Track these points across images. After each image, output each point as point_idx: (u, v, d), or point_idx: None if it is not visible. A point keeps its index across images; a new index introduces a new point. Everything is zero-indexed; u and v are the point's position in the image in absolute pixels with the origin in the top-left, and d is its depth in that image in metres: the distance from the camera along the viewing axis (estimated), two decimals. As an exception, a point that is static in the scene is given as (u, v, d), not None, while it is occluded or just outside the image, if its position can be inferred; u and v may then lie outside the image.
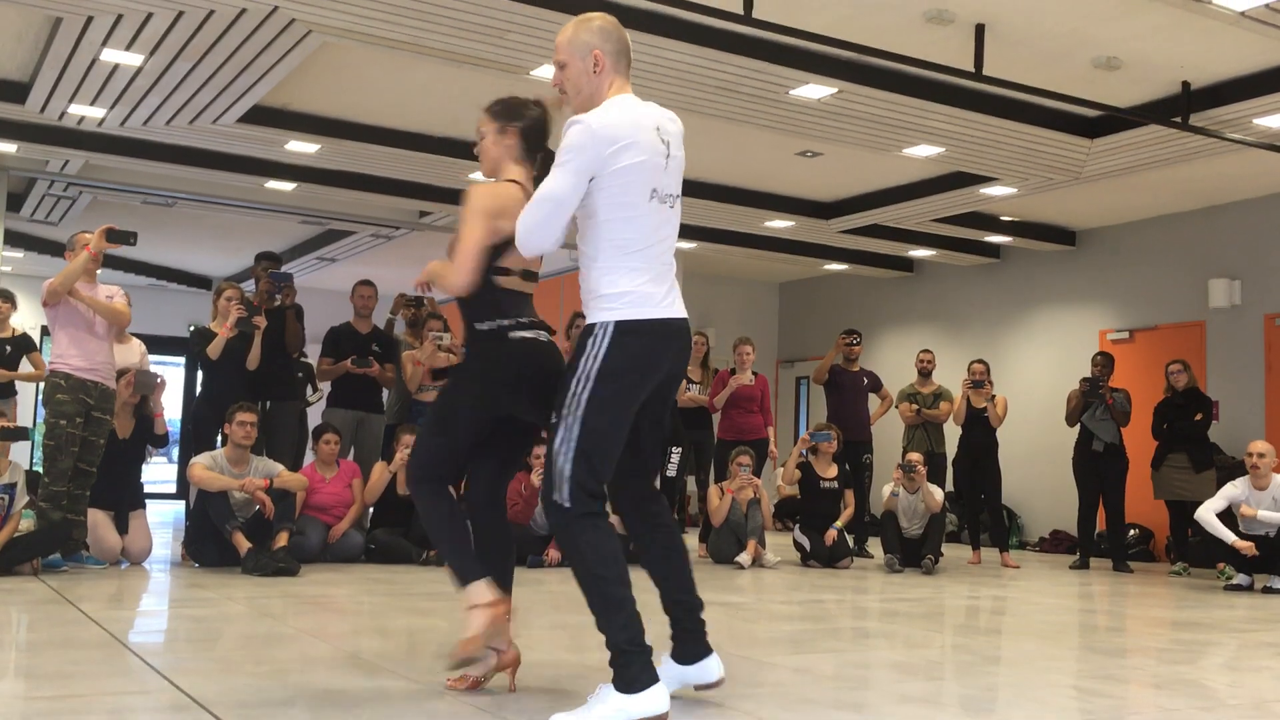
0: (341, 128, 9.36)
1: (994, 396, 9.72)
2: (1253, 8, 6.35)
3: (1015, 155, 9.15)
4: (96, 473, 6.69)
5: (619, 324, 3.02)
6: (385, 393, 8.78)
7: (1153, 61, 7.55)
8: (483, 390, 3.37)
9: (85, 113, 8.78)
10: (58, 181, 11.20)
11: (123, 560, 7.16)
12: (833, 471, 8.89)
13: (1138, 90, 8.07)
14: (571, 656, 4.18)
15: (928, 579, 7.98)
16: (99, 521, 6.97)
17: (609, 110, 3.07)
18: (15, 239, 13.45)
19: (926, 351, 10.34)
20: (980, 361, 9.94)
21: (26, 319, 12.22)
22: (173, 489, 14.68)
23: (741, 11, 6.29)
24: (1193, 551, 9.12)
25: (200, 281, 16.70)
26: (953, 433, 9.91)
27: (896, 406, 10.24)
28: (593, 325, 3.05)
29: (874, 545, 9.60)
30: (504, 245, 3.33)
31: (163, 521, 10.89)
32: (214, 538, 6.89)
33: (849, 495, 8.90)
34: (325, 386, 8.71)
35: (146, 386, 7.34)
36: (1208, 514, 7.86)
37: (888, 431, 11.16)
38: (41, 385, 7.31)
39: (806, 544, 8.67)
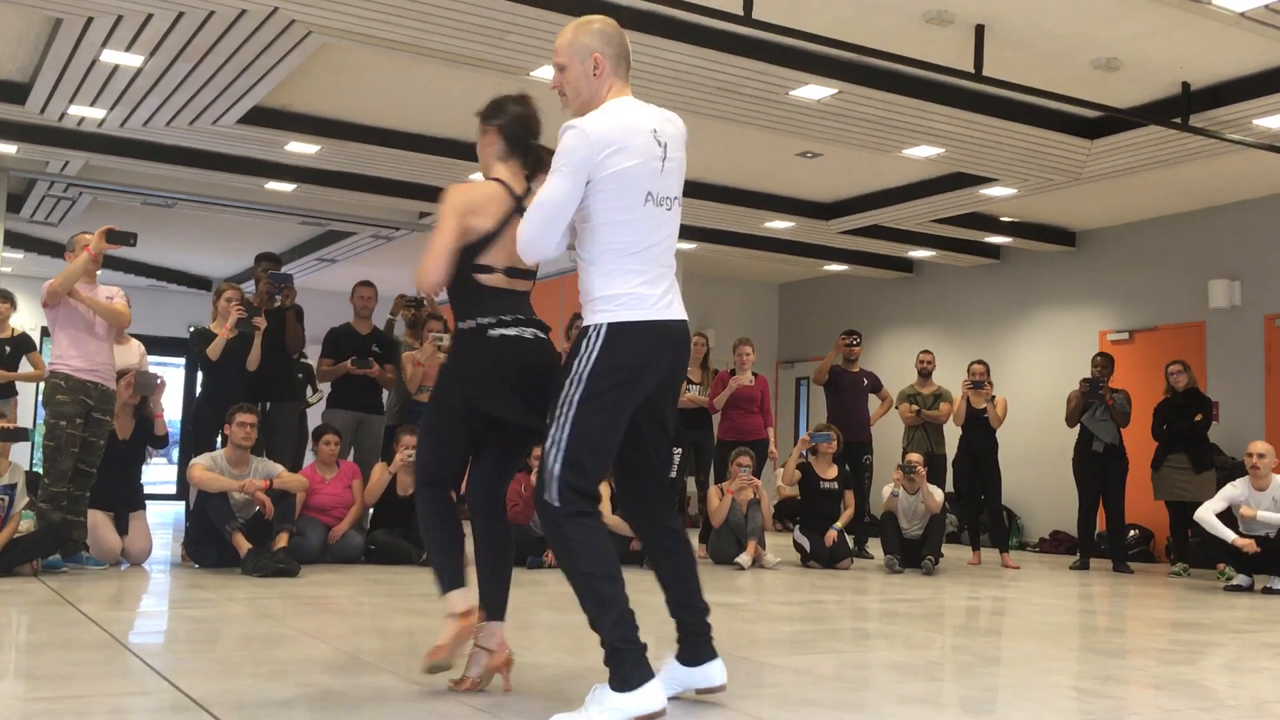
0: (341, 129, 9.36)
1: (994, 397, 9.72)
2: (1252, 8, 6.35)
3: (1015, 156, 9.15)
4: (96, 474, 6.69)
5: (611, 326, 3.03)
6: (385, 394, 8.78)
7: (1152, 62, 7.56)
8: (462, 390, 3.39)
9: (85, 113, 8.78)
10: (58, 182, 11.21)
11: (123, 561, 7.15)
12: (833, 472, 8.89)
13: (1137, 91, 8.07)
14: (571, 657, 4.18)
15: (928, 580, 7.98)
16: (99, 522, 6.97)
17: (603, 114, 3.08)
18: (15, 240, 13.46)
19: (926, 352, 10.34)
20: (980, 362, 9.94)
21: (26, 320, 12.23)
22: (173, 490, 14.70)
23: (741, 12, 6.29)
24: (1193, 552, 9.12)
25: (200, 282, 16.70)
26: (953, 433, 9.91)
27: (896, 407, 10.24)
28: (587, 327, 3.07)
29: (874, 546, 9.60)
30: (483, 243, 3.34)
31: (163, 522, 10.88)
32: (214, 539, 6.89)
33: (849, 496, 8.90)
34: (325, 387, 8.71)
35: (146, 387, 7.34)
36: (1207, 514, 7.85)
37: (888, 432, 11.16)
38: (41, 386, 7.30)
39: (806, 545, 8.67)
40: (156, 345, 13.53)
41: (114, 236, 6.37)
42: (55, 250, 13.58)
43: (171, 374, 14.24)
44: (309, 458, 8.15)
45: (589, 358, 3.01)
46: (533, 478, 7.63)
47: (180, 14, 6.78)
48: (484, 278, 3.36)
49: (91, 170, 10.76)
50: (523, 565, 7.61)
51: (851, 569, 8.57)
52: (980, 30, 7.05)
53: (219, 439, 7.44)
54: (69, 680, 3.45)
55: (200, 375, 8.37)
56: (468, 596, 3.40)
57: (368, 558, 7.74)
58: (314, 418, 8.61)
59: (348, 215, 12.20)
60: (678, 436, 8.62)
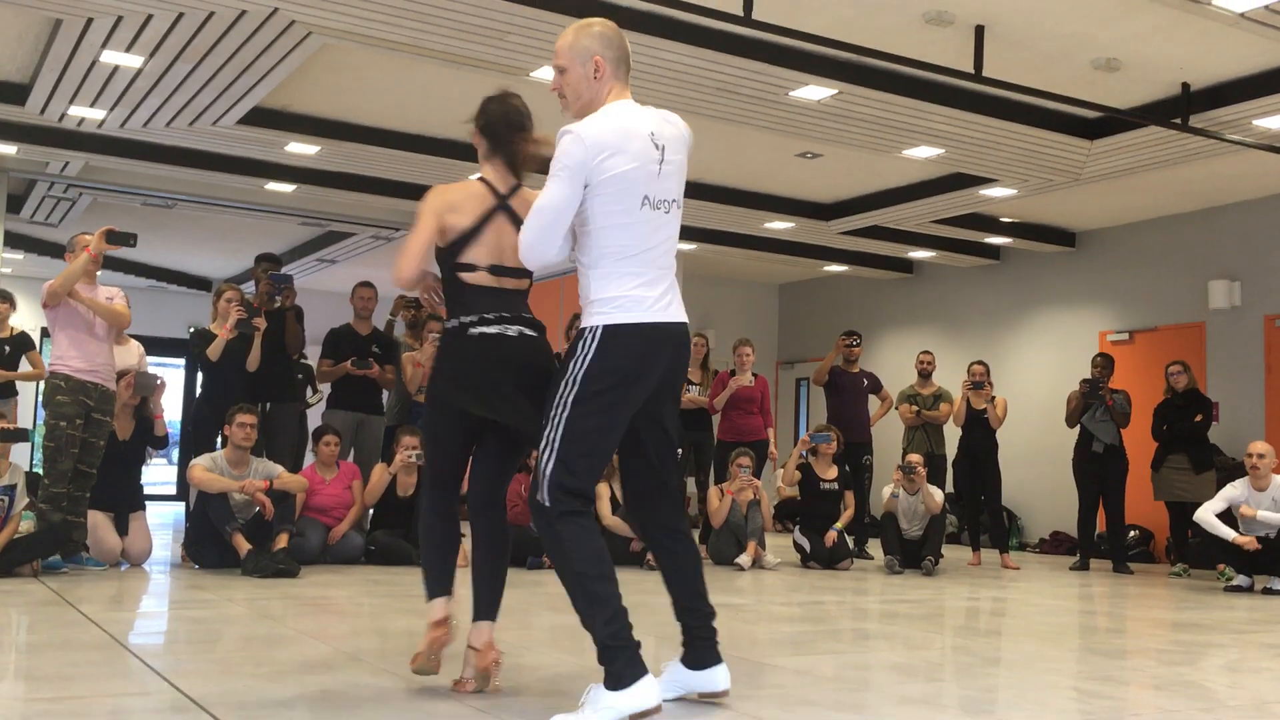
0: (341, 129, 9.37)
1: (994, 398, 9.72)
2: (1252, 9, 6.36)
3: (1015, 156, 9.15)
4: (96, 474, 6.69)
5: (607, 328, 3.04)
6: (385, 394, 8.78)
7: (1152, 63, 7.56)
8: (444, 389, 3.40)
9: (85, 114, 8.78)
10: (58, 183, 11.21)
11: (122, 562, 7.15)
12: (833, 473, 8.89)
13: (1137, 91, 8.07)
14: (571, 657, 4.17)
15: (928, 580, 7.98)
16: (99, 523, 6.97)
17: (600, 118, 3.08)
18: (15, 240, 13.45)
19: (926, 353, 10.34)
20: (980, 363, 9.94)
21: (26, 320, 12.22)
22: (173, 490, 14.70)
23: (741, 13, 6.29)
24: (1193, 553, 9.12)
25: (200, 283, 16.70)
26: (953, 434, 9.91)
27: (896, 408, 10.24)
28: (583, 329, 3.08)
29: (874, 547, 9.60)
30: (463, 241, 3.35)
31: (163, 523, 10.88)
32: (214, 539, 6.89)
33: (849, 497, 8.90)
34: (325, 388, 8.71)
35: (146, 388, 7.34)
36: (1207, 514, 7.85)
37: (887, 433, 11.16)
38: (41, 386, 7.31)
39: (806, 545, 8.67)
40: (156, 346, 13.55)
41: (114, 237, 6.37)
42: (55, 251, 13.58)
43: (171, 375, 14.25)
44: (309, 458, 8.16)
45: (584, 359, 3.02)
46: (533, 478, 7.68)
47: (180, 15, 6.78)
48: (467, 276, 3.37)
49: (91, 171, 10.76)
50: (522, 566, 7.61)
51: (851, 569, 8.57)
52: (980, 31, 7.05)
53: (219, 440, 7.44)
54: (69, 681, 3.45)
55: (200, 376, 8.37)
56: (445, 606, 3.43)
57: (368, 558, 7.74)
58: (314, 418, 8.61)
59: (348, 216, 12.20)
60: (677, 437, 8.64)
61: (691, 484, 9.29)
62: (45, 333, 12.35)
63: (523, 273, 3.41)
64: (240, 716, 3.00)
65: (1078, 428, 9.67)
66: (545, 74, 7.20)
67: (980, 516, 9.95)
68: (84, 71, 7.82)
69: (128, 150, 9.72)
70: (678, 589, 3.28)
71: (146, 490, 7.65)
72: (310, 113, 9.19)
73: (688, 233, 11.81)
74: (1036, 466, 11.78)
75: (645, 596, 6.18)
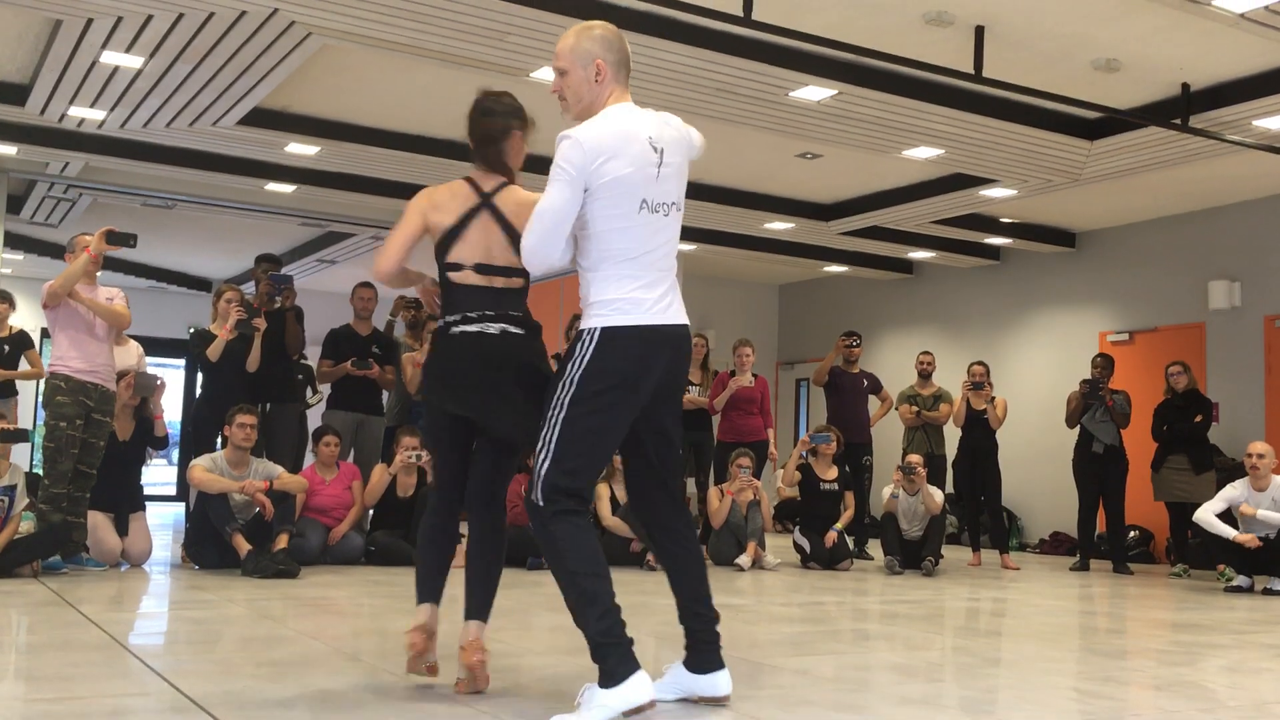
0: (341, 130, 9.36)
1: (994, 398, 9.72)
2: (1252, 9, 6.36)
3: (1015, 157, 9.15)
4: (96, 475, 6.69)
5: (605, 330, 3.05)
6: (385, 395, 8.78)
7: (1152, 63, 7.56)
8: (428, 389, 3.43)
9: (85, 115, 8.78)
10: (58, 183, 11.20)
11: (123, 562, 7.16)
12: (833, 473, 8.89)
13: (1137, 92, 8.07)
14: (571, 657, 4.17)
15: (928, 581, 7.98)
16: (99, 523, 6.97)
17: (598, 122, 3.10)
18: (15, 241, 13.45)
19: (926, 353, 10.34)
20: (980, 363, 9.94)
21: (26, 321, 12.22)
22: (173, 491, 14.70)
23: (741, 13, 6.29)
24: (1193, 553, 9.11)
25: (200, 284, 16.70)
26: (952, 434, 9.91)
27: (896, 408, 10.24)
28: (582, 331, 3.09)
29: (874, 547, 9.60)
30: (448, 240, 3.38)
31: (163, 524, 10.88)
32: (214, 540, 6.89)
33: (849, 497, 8.90)
34: (325, 388, 8.71)
35: (146, 389, 7.34)
36: (1207, 514, 7.85)
37: (887, 433, 11.16)
38: (41, 387, 7.31)
39: (806, 546, 8.67)
40: (156, 346, 13.55)
41: (114, 238, 6.38)
42: (55, 251, 13.58)
43: (171, 375, 14.25)
44: (309, 459, 8.16)
45: (581, 361, 3.04)
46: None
47: (180, 15, 6.78)
48: (454, 275, 3.39)
49: (91, 171, 10.76)
50: (522, 566, 7.61)
51: (851, 570, 8.57)
52: (980, 31, 7.05)
53: (219, 440, 7.44)
54: (69, 681, 3.45)
55: (200, 376, 8.37)
56: (426, 613, 3.45)
57: (368, 559, 7.74)
58: (314, 419, 8.61)
59: (348, 216, 12.20)
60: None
61: (691, 484, 9.29)
62: (45, 333, 12.35)
63: (513, 271, 3.40)
64: (240, 717, 3.00)
65: (1078, 428, 9.67)
66: (545, 74, 7.20)
67: (980, 517, 9.95)
68: (84, 72, 7.82)
69: (128, 151, 9.72)
70: (682, 593, 3.29)
71: (146, 491, 7.65)
72: (310, 113, 9.19)
73: (687, 233, 11.80)
74: (1036, 467, 11.78)
75: (645, 597, 6.18)
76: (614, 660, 2.90)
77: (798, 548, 8.80)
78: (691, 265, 13.71)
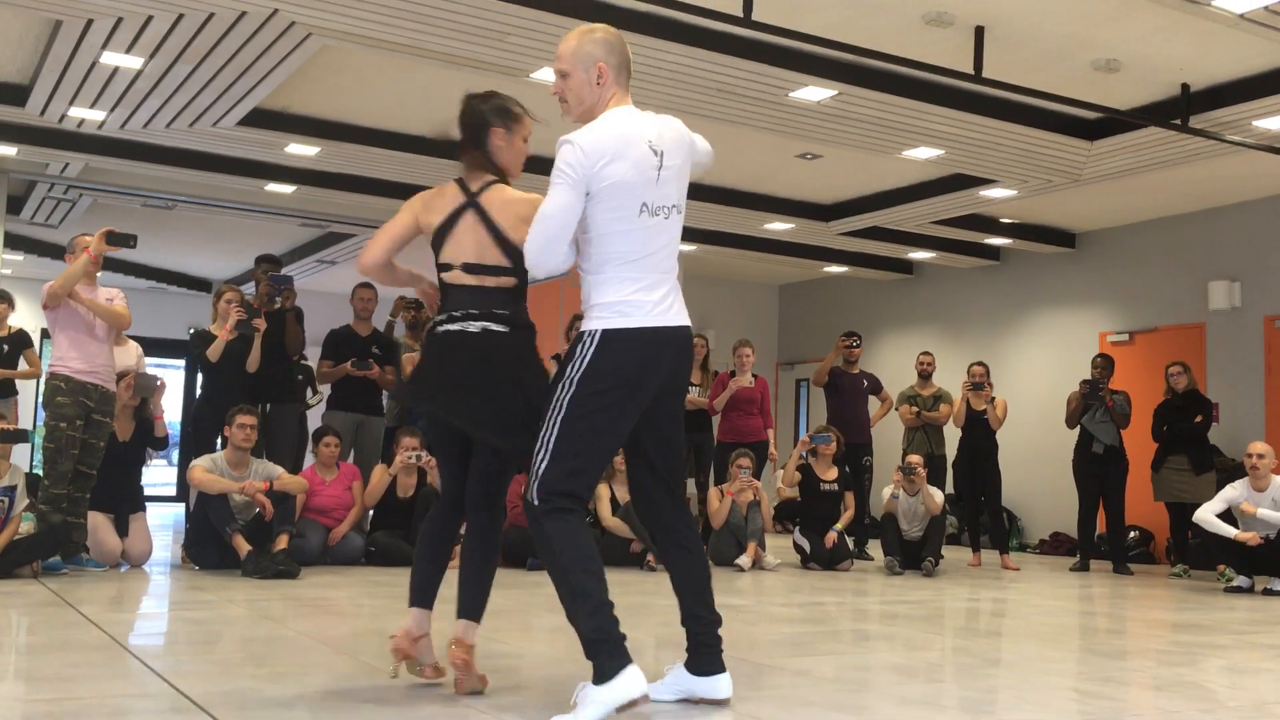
0: (341, 130, 9.36)
1: (994, 399, 9.72)
2: (1252, 10, 6.36)
3: (1015, 157, 9.15)
4: (96, 475, 6.69)
5: (605, 332, 3.07)
6: (385, 395, 8.78)
7: (1152, 63, 7.56)
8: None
9: (85, 115, 8.78)
10: (58, 184, 11.21)
11: (123, 563, 7.16)
12: (833, 474, 8.89)
13: (1137, 92, 8.07)
14: (571, 659, 4.17)
15: (928, 581, 7.98)
16: (99, 524, 6.97)
17: (598, 126, 3.11)
18: (15, 241, 13.45)
19: (926, 354, 10.34)
20: (980, 364, 9.94)
21: (26, 321, 12.22)
22: (173, 491, 14.70)
23: (741, 14, 6.29)
24: (1193, 553, 9.12)
25: (200, 284, 16.70)
26: (953, 435, 9.91)
27: (896, 409, 10.24)
28: (582, 333, 3.10)
29: (874, 548, 9.60)
30: (438, 240, 3.41)
31: (163, 524, 10.89)
32: (214, 540, 6.89)
33: (849, 497, 8.90)
34: (325, 389, 8.71)
35: (146, 389, 7.34)
36: (1207, 514, 7.85)
37: (887, 434, 11.16)
38: (42, 387, 7.31)
39: (806, 546, 8.67)
40: (156, 347, 13.56)
41: (114, 238, 6.38)
42: (55, 252, 13.58)
43: (171, 376, 14.25)
44: (309, 459, 8.16)
45: (581, 362, 3.05)
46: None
47: (180, 16, 6.78)
48: (446, 275, 3.42)
49: (91, 172, 10.76)
50: (523, 567, 7.61)
51: (851, 570, 8.57)
52: (980, 31, 7.05)
53: (219, 441, 7.44)
54: (69, 682, 3.45)
55: (200, 377, 8.37)
56: (413, 617, 3.45)
57: (368, 559, 7.74)
58: (314, 419, 8.61)
59: (348, 217, 12.20)
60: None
61: (691, 485, 9.30)
62: (45, 334, 12.35)
63: (503, 270, 3.38)
64: (240, 717, 3.00)
65: (1078, 429, 9.67)
66: (545, 75, 7.20)
67: (980, 517, 9.95)
68: (84, 73, 7.82)
69: (128, 151, 9.72)
70: (684, 595, 3.30)
71: (146, 491, 7.65)
72: (310, 114, 9.19)
73: (688, 234, 11.74)
74: (1036, 467, 11.78)
75: (645, 597, 6.18)
76: (605, 656, 2.91)
77: (798, 548, 8.80)
78: (691, 266, 13.72)
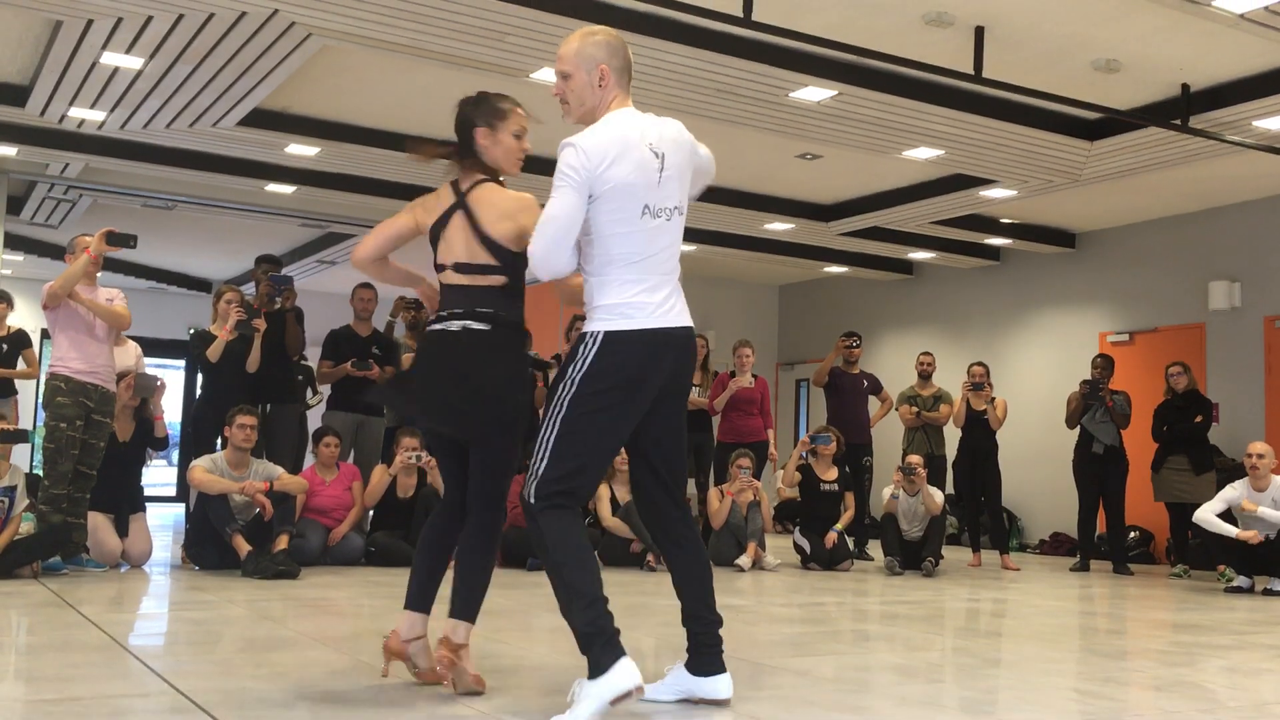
0: (341, 130, 9.36)
1: (994, 399, 9.72)
2: (1252, 10, 6.36)
3: (1015, 157, 9.15)
4: (96, 476, 6.69)
5: (608, 334, 3.08)
6: (385, 395, 8.78)
7: (1152, 63, 7.56)
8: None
9: (85, 116, 8.78)
10: (58, 184, 11.21)
11: (123, 563, 7.16)
12: (833, 474, 8.89)
13: (1137, 92, 8.07)
14: (571, 659, 4.17)
15: (928, 581, 7.98)
16: (99, 524, 6.97)
17: (599, 128, 3.13)
18: (15, 242, 13.45)
19: (926, 354, 10.34)
20: (980, 364, 9.94)
21: (26, 322, 12.22)
22: (173, 492, 14.69)
23: (741, 14, 6.29)
24: (1193, 554, 9.12)
25: (200, 284, 16.70)
26: (953, 435, 9.91)
27: (896, 409, 10.24)
28: (584, 334, 3.11)
29: (874, 548, 9.60)
30: (434, 242, 3.44)
31: (163, 524, 10.88)
32: (214, 540, 6.89)
33: (849, 498, 8.90)
34: (325, 389, 8.71)
35: (146, 389, 7.34)
36: (1207, 514, 7.85)
37: (887, 434, 11.16)
38: (41, 387, 7.31)
39: (806, 546, 8.67)
40: (156, 347, 13.56)
41: (114, 239, 6.38)
42: (55, 252, 13.58)
43: (171, 376, 14.24)
44: (309, 460, 8.16)
45: (583, 363, 3.07)
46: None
47: (180, 16, 6.78)
48: (441, 276, 3.45)
49: (91, 172, 10.76)
50: (523, 567, 7.61)
51: (851, 571, 8.57)
52: (980, 32, 7.05)
53: (219, 441, 7.44)
54: (69, 682, 3.45)
55: (200, 377, 8.37)
56: (405, 620, 3.45)
57: (368, 560, 7.74)
58: (314, 420, 8.61)
59: (348, 217, 12.20)
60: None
61: (692, 485, 9.30)
62: (45, 334, 12.35)
63: (490, 269, 3.38)
64: (240, 717, 3.00)
65: (1078, 429, 9.67)
66: (545, 75, 7.21)
67: (980, 517, 9.95)
68: (84, 73, 7.82)
69: (128, 152, 9.72)
70: (685, 596, 3.31)
71: (146, 492, 7.65)
72: (310, 114, 9.19)
73: (688, 234, 11.58)
74: (1036, 467, 11.77)
75: (645, 597, 6.19)
76: (598, 649, 2.92)
77: (798, 548, 8.80)
78: (692, 266, 13.71)
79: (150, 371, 7.85)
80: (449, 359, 3.33)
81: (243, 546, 6.67)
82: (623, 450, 3.31)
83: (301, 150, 9.64)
